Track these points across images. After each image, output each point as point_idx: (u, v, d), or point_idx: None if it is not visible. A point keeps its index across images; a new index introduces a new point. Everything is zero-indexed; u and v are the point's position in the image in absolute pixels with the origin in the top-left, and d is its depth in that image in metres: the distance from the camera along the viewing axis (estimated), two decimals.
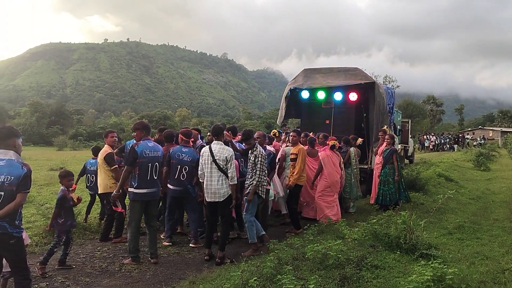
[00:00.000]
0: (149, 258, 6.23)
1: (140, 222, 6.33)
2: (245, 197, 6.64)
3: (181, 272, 5.85)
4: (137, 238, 6.18)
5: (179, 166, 7.03)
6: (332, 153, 8.91)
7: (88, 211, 8.68)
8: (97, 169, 8.33)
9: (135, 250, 6.14)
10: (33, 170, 4.69)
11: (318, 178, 8.91)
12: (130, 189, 6.12)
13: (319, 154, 8.96)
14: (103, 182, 7.20)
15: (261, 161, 6.55)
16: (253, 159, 6.56)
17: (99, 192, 7.44)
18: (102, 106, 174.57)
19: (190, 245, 7.10)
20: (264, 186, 6.81)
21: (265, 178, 6.75)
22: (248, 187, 6.61)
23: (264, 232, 6.92)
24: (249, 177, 6.63)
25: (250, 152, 6.68)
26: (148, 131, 6.38)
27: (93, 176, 8.39)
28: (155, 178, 6.18)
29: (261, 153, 6.64)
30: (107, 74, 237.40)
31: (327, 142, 9.05)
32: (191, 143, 7.43)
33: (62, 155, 32.84)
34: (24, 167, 4.11)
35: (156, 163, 6.18)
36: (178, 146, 7.32)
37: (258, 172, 6.52)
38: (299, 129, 8.93)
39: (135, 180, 6.03)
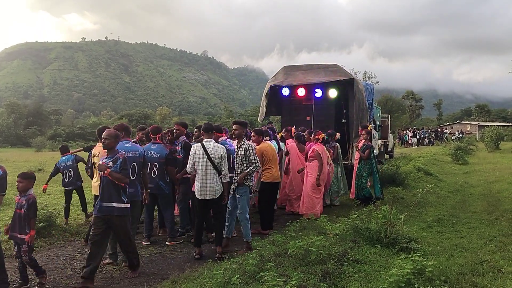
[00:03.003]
0: (121, 261, 6.12)
1: None
2: (237, 195, 6.61)
3: (163, 272, 5.82)
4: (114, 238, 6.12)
5: (149, 164, 7.01)
6: (324, 147, 9.01)
7: (67, 213, 8.55)
8: (72, 163, 8.29)
9: (111, 247, 6.10)
10: (11, 172, 4.61)
11: (310, 172, 8.89)
12: None
13: (316, 148, 8.92)
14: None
15: (251, 152, 6.59)
16: (242, 152, 6.58)
17: (96, 194, 7.08)
18: (81, 106, 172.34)
19: (166, 243, 7.11)
20: (253, 180, 6.85)
21: (255, 171, 6.78)
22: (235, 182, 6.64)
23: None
24: (238, 172, 6.62)
25: (238, 146, 6.71)
26: (128, 133, 6.36)
27: (70, 171, 8.37)
28: (133, 178, 6.11)
29: (250, 145, 6.68)
30: (86, 73, 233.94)
31: (317, 137, 9.08)
32: (158, 139, 7.37)
33: (40, 156, 32.28)
34: (0, 169, 4.04)
35: (134, 164, 6.14)
36: (147, 144, 7.33)
37: (254, 164, 6.58)
38: (259, 129, 8.81)
39: None
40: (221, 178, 6.36)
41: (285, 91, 12.52)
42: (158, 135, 7.35)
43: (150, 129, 7.53)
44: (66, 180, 8.52)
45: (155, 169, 7.07)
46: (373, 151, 10.09)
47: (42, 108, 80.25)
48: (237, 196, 6.61)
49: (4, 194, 4.13)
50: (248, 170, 6.56)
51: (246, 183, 6.59)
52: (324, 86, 12.04)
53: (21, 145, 60.97)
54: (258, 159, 6.74)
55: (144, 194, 6.49)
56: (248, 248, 6.53)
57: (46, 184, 8.73)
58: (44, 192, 8.98)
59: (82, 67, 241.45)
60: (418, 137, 42.50)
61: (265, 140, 8.44)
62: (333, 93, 12.03)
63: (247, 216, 6.69)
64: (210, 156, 6.25)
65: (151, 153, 7.10)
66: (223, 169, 6.34)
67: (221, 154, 6.32)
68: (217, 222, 6.62)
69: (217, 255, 6.30)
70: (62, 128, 69.16)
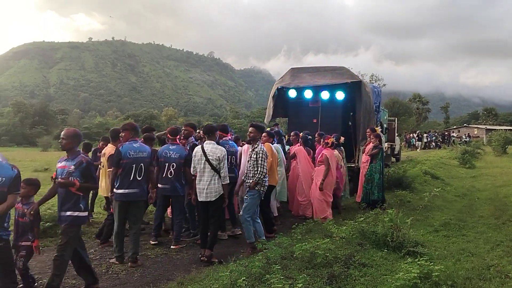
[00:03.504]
0: (128, 260, 6.15)
1: (123, 222, 6.26)
2: (245, 196, 6.62)
3: (169, 273, 5.82)
4: (120, 238, 6.16)
5: (167, 164, 7.01)
6: (333, 151, 9.00)
7: None
8: None
9: (118, 250, 6.13)
10: None
11: (318, 177, 8.85)
12: (114, 190, 6.10)
13: (325, 153, 8.88)
14: (108, 185, 6.84)
15: (261, 157, 6.54)
16: (254, 156, 6.56)
17: (104, 195, 7.30)
18: (87, 106, 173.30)
19: (172, 246, 7.01)
20: (266, 185, 6.77)
21: (265, 176, 6.71)
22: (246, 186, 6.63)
23: (264, 237, 6.85)
24: (250, 175, 6.60)
25: (251, 149, 6.69)
26: (137, 132, 6.39)
27: None
28: (139, 179, 6.13)
29: (262, 149, 6.62)
30: (92, 73, 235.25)
31: (327, 141, 9.05)
32: (177, 141, 7.38)
33: (46, 155, 32.48)
34: (14, 168, 4.08)
35: (141, 164, 6.14)
36: (165, 144, 7.34)
37: (259, 169, 6.51)
38: (271, 130, 8.80)
39: (117, 180, 6.04)
40: (220, 180, 6.26)
41: (292, 93, 12.52)
42: (177, 136, 7.34)
43: (168, 130, 7.50)
44: None
45: (172, 169, 7.00)
46: (382, 153, 10.07)
47: (48, 108, 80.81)
48: (245, 197, 6.62)
49: (19, 193, 4.16)
50: (256, 178, 6.51)
51: (256, 188, 6.57)
52: (331, 89, 12.03)
53: (27, 144, 61.38)
54: (266, 165, 6.66)
55: (150, 194, 6.46)
56: (251, 249, 6.51)
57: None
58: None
59: (89, 67, 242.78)
60: (425, 140, 42.33)
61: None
62: (340, 95, 12.00)
63: (248, 218, 6.60)
64: (208, 157, 6.21)
65: (170, 153, 7.05)
66: (221, 171, 6.22)
67: (218, 156, 6.21)
68: (212, 225, 6.40)
69: (204, 258, 6.20)
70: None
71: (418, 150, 38.66)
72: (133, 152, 6.08)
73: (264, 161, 6.58)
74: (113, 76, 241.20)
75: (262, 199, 7.75)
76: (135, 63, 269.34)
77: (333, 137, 9.24)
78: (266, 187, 6.77)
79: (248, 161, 6.77)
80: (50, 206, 7.96)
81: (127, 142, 6.20)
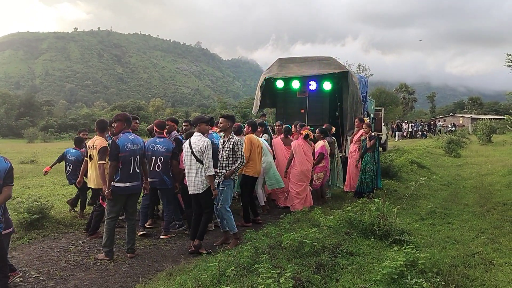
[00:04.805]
0: (126, 253, 6.16)
1: (119, 216, 6.24)
2: (221, 187, 6.49)
3: (158, 264, 5.83)
4: (113, 233, 6.09)
5: (154, 157, 7.00)
6: (304, 142, 8.99)
7: (83, 206, 8.45)
8: (76, 159, 8.33)
9: (109, 244, 6.02)
10: None
11: (291, 166, 9.03)
12: (111, 183, 5.99)
13: (293, 143, 9.05)
14: (97, 178, 6.68)
15: (240, 148, 6.51)
16: (231, 146, 6.48)
17: (92, 187, 6.95)
18: (73, 97, 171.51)
19: (161, 236, 7.07)
20: (236, 176, 6.79)
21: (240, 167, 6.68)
22: (221, 176, 6.50)
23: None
24: (223, 165, 6.51)
25: (226, 140, 6.61)
26: (129, 124, 6.25)
27: (70, 166, 8.40)
28: (138, 171, 6.11)
29: (239, 140, 6.59)
30: (78, 64, 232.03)
31: (301, 132, 9.12)
32: (165, 134, 7.36)
33: (32, 147, 32.09)
34: (7, 160, 4.04)
35: (138, 156, 6.12)
36: (152, 137, 7.31)
37: (240, 159, 6.47)
38: (253, 121, 8.79)
39: (117, 174, 5.94)
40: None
41: (280, 84, 12.52)
42: (164, 130, 7.31)
43: (155, 123, 7.44)
44: (66, 174, 8.58)
45: (159, 162, 7.00)
46: (378, 142, 10.17)
47: (34, 99, 79.33)
48: (221, 188, 6.48)
49: (13, 185, 4.11)
50: (234, 166, 6.46)
51: (231, 177, 6.53)
52: (319, 79, 12.05)
53: (13, 136, 60.51)
54: (244, 154, 6.65)
55: (144, 185, 6.39)
56: (236, 239, 6.51)
57: (50, 167, 8.73)
58: (45, 175, 9.03)
59: (75, 57, 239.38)
60: (410, 129, 42.66)
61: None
62: (327, 85, 12.04)
63: (228, 208, 6.56)
64: (193, 149, 6.17)
65: (156, 146, 7.04)
66: (204, 161, 6.10)
67: (200, 147, 6.11)
68: (204, 216, 6.38)
69: (192, 247, 6.22)
70: (54, 119, 68.60)
71: (396, 139, 38.43)
72: (129, 145, 6.00)
73: (242, 151, 6.58)
74: (100, 67, 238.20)
75: (247, 189, 7.93)
76: (122, 54, 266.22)
77: (309, 131, 9.26)
78: (236, 175, 6.76)
79: (220, 152, 6.62)
80: (37, 198, 7.91)
81: (122, 135, 6.05)
